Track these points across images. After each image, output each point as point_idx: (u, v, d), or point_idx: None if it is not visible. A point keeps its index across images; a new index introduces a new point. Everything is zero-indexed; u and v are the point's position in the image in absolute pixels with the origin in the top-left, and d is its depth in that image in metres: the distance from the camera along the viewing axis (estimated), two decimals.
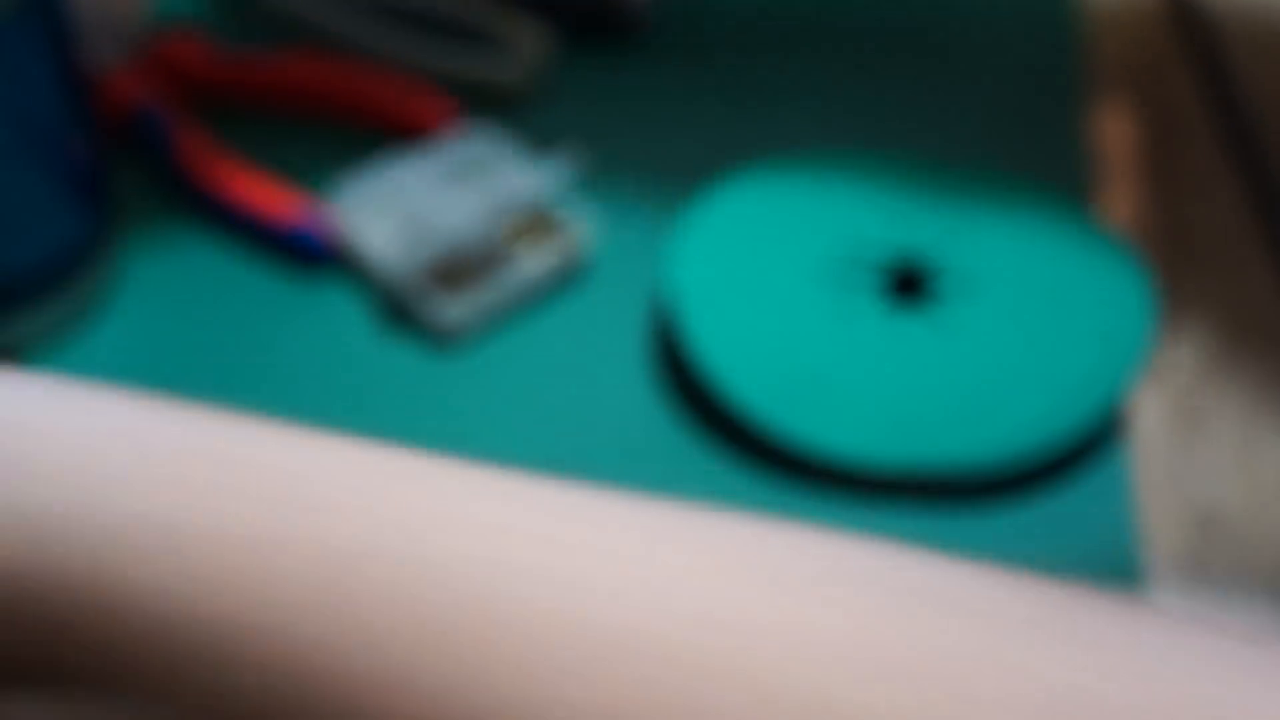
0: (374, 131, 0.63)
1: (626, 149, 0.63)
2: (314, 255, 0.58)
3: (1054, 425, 0.51)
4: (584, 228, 0.58)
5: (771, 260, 0.56)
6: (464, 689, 0.27)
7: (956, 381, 0.51)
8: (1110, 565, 0.49)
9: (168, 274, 0.59)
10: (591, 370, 0.56)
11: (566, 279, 0.58)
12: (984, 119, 0.64)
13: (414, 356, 0.56)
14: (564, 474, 0.53)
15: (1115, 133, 0.64)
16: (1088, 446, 0.52)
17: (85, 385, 0.32)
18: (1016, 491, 0.51)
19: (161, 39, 0.65)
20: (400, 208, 0.58)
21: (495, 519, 0.29)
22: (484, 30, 0.66)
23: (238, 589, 0.29)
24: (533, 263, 0.57)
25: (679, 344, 0.56)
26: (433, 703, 0.27)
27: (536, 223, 0.58)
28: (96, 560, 0.29)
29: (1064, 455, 0.52)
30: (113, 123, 0.62)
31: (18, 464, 0.30)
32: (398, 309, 0.57)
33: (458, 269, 0.57)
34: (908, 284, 0.55)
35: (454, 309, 0.56)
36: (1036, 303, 0.54)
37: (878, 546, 0.30)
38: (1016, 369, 0.52)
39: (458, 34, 0.67)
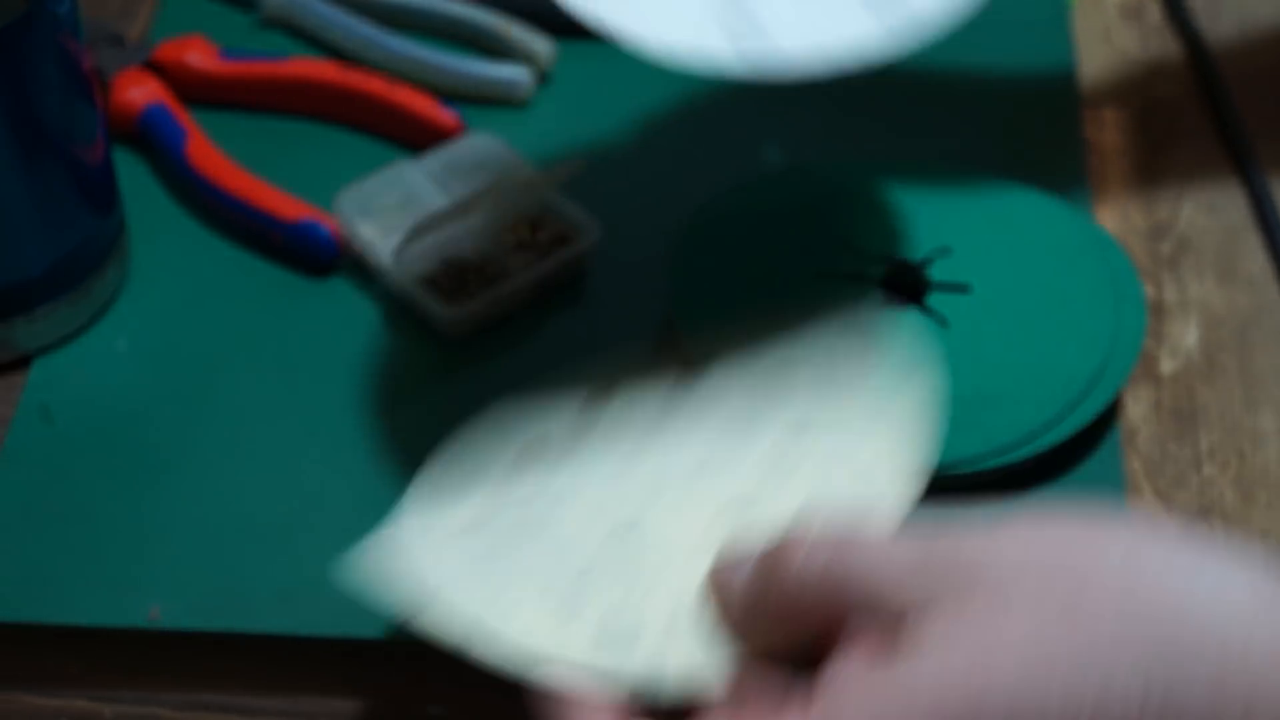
0: (376, 135, 0.64)
1: (627, 150, 0.64)
2: (323, 247, 0.59)
3: (1045, 426, 0.52)
4: (585, 229, 0.58)
5: (771, 263, 0.56)
6: None
7: (950, 384, 0.51)
8: None
9: (177, 274, 0.60)
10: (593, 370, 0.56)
11: (567, 280, 0.59)
12: (979, 121, 0.65)
13: (419, 357, 0.57)
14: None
15: (1109, 132, 0.64)
16: (1079, 445, 0.53)
17: None
18: (1008, 490, 0.52)
19: (168, 42, 0.65)
20: (403, 210, 0.59)
21: None
22: (485, 34, 0.67)
23: None
24: (534, 264, 0.58)
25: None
26: None
27: (538, 224, 0.59)
28: None
29: (1055, 454, 0.52)
30: (121, 124, 0.63)
31: None
32: (402, 309, 0.58)
33: (461, 270, 0.57)
34: (903, 288, 0.56)
35: (457, 310, 0.56)
36: (1028, 304, 0.55)
37: None
38: (1008, 370, 0.53)
39: (459, 38, 0.67)
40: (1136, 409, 0.55)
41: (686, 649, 0.41)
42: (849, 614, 0.37)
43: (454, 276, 0.57)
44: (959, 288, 0.55)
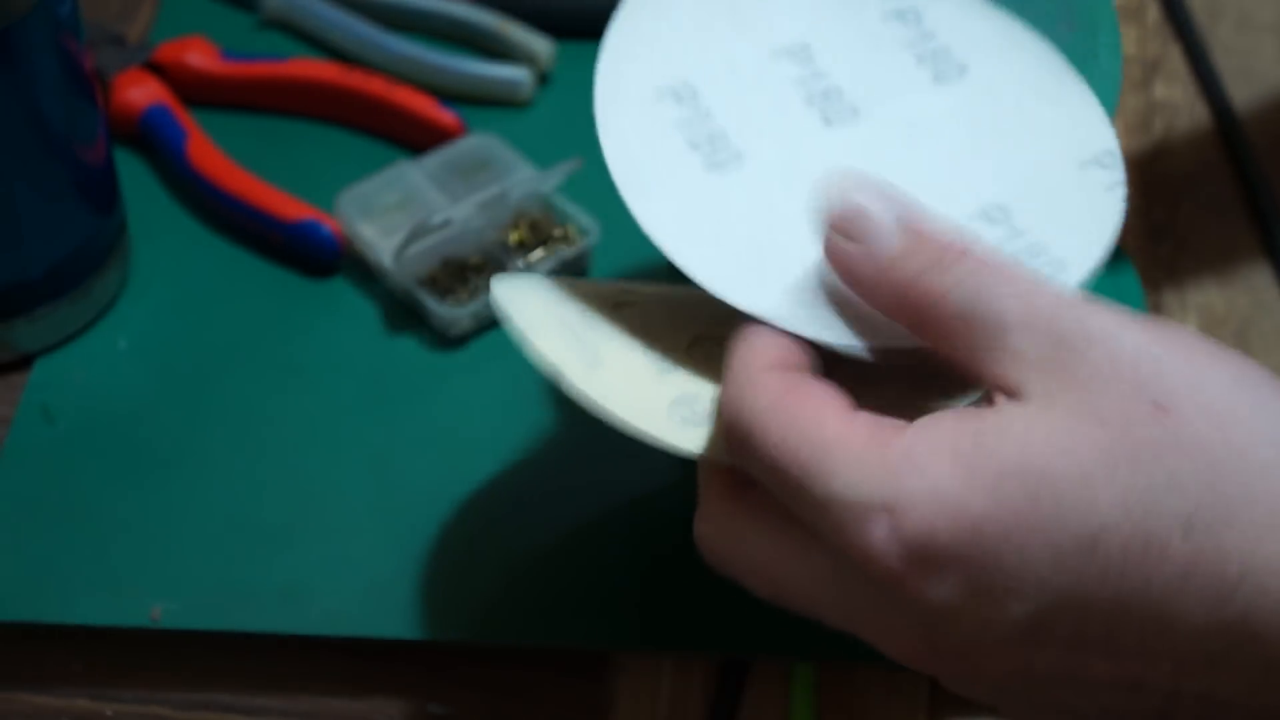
0: (377, 135, 0.64)
1: None
2: (324, 247, 0.59)
3: None
4: (584, 228, 0.59)
5: None
6: None
7: None
8: None
9: (177, 274, 0.60)
10: None
11: None
12: None
13: (419, 357, 0.57)
14: (562, 466, 0.53)
15: None
16: None
17: None
18: None
19: (168, 43, 0.65)
20: (403, 210, 0.59)
21: None
22: (485, 34, 0.67)
23: None
24: (533, 263, 0.58)
25: None
26: None
27: (537, 223, 0.59)
28: None
29: None
30: (121, 125, 0.63)
31: None
32: (403, 309, 0.58)
33: (461, 270, 0.58)
34: None
35: (457, 308, 0.56)
36: None
37: None
38: None
39: (459, 38, 0.67)
40: None
41: None
42: (970, 337, 0.37)
43: (454, 276, 0.57)
44: None
